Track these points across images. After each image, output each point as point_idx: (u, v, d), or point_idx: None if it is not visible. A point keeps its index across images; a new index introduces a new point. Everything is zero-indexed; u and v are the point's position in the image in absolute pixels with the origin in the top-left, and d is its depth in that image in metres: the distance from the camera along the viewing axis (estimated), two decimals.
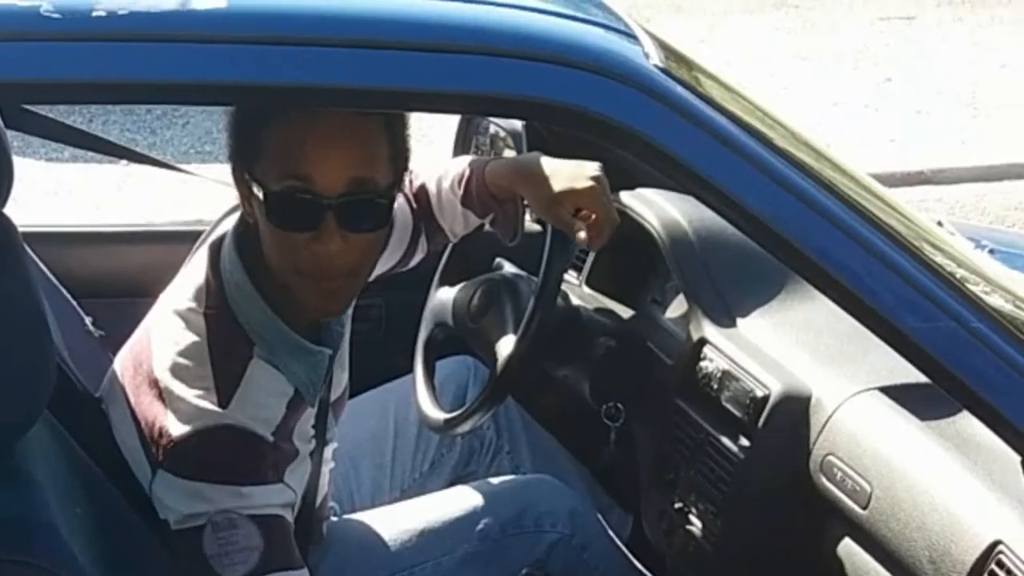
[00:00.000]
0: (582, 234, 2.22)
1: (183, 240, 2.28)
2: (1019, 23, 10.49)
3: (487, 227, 2.51)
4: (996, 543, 1.91)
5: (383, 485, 2.73)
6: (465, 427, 2.48)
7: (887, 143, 7.82)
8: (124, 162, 6.68)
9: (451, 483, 2.72)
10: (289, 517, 2.05)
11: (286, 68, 1.56)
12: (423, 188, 2.49)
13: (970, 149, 7.75)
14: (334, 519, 2.49)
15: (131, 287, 2.68)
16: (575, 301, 2.70)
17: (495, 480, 2.64)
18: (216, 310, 2.01)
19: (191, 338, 1.99)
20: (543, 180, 2.27)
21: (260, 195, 1.92)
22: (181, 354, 1.98)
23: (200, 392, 1.94)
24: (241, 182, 1.99)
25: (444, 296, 2.66)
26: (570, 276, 2.91)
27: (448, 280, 2.68)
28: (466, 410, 2.44)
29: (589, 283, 2.88)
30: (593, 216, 2.23)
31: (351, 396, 2.56)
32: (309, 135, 1.89)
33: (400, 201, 2.44)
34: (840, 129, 7.83)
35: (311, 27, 1.58)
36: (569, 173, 2.26)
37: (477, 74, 1.60)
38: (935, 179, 7.36)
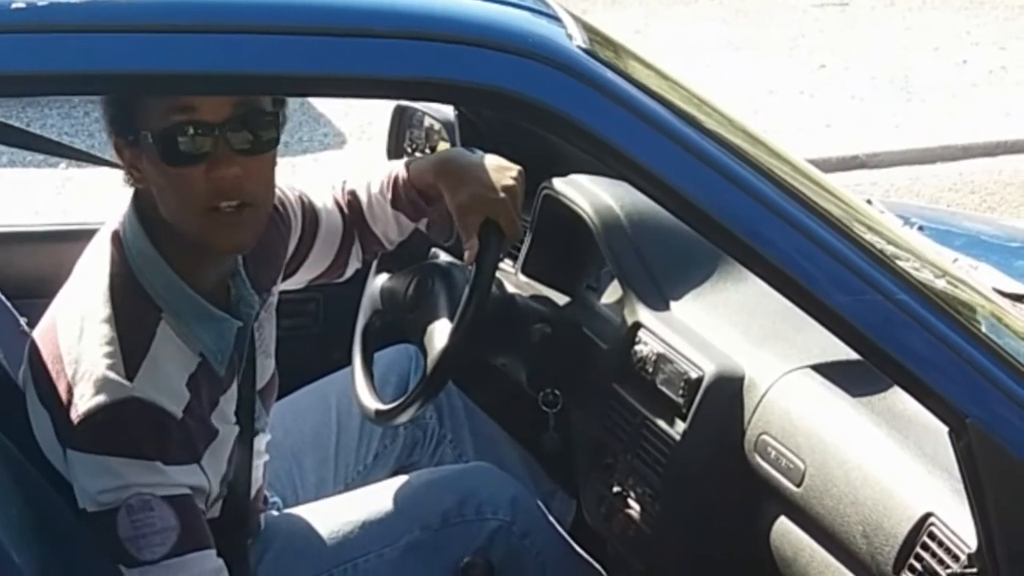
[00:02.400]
0: (467, 255, 2.29)
1: None
2: (950, 7, 10.59)
3: (423, 230, 2.53)
4: (928, 515, 1.93)
5: (327, 479, 2.72)
6: (404, 417, 2.47)
7: (822, 128, 7.88)
8: (63, 166, 6.66)
9: (395, 474, 2.72)
10: (199, 501, 2.04)
11: (205, 56, 1.56)
12: (354, 195, 2.50)
13: (904, 133, 7.82)
14: (275, 513, 2.48)
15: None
16: (510, 289, 2.70)
17: (436, 469, 2.64)
18: (120, 279, 2.00)
19: (96, 309, 1.98)
20: (459, 181, 2.31)
21: (148, 140, 1.92)
22: (86, 326, 1.97)
23: (107, 362, 1.93)
24: (125, 147, 1.98)
25: (380, 284, 2.66)
26: (505, 264, 2.91)
27: (384, 267, 2.67)
28: (404, 400, 2.44)
29: (524, 270, 2.88)
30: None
31: (290, 391, 2.56)
32: None
33: (330, 206, 2.46)
34: (776, 116, 7.89)
35: (231, 15, 1.58)
36: (484, 181, 2.29)
37: (401, 58, 1.60)
38: (870, 163, 7.42)
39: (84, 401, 1.92)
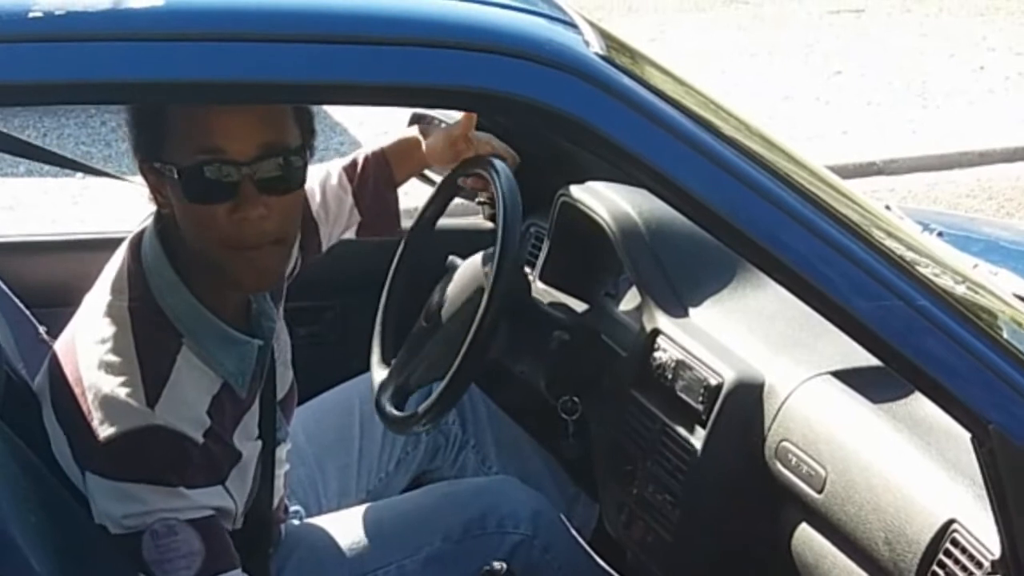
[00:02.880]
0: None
1: None
2: (966, 13, 10.58)
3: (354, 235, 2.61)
4: (950, 522, 1.93)
5: (349, 486, 2.72)
6: (424, 424, 2.46)
7: (839, 135, 7.87)
8: (80, 176, 6.67)
9: (416, 480, 2.72)
10: (225, 521, 2.03)
11: (224, 64, 1.55)
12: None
13: (921, 139, 7.81)
14: (296, 523, 2.48)
15: (84, 296, 2.66)
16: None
17: (458, 481, 2.64)
18: (140, 302, 1.99)
19: (116, 333, 1.97)
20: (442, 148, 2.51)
21: (174, 175, 1.91)
22: (106, 350, 1.95)
23: (127, 390, 1.92)
24: (150, 172, 1.97)
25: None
26: (524, 271, 2.91)
27: (402, 280, 2.66)
28: (425, 407, 2.43)
29: (543, 278, 2.88)
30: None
31: (307, 399, 2.55)
32: (212, 107, 1.88)
33: None
34: (792, 122, 7.88)
35: (243, 23, 1.57)
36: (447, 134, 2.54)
37: (417, 66, 1.59)
38: (887, 169, 7.41)
39: (104, 428, 1.91)
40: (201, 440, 1.96)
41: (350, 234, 2.61)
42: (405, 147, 2.53)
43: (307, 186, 2.45)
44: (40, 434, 2.01)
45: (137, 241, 2.06)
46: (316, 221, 2.51)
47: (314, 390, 2.72)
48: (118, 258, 2.09)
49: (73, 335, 2.04)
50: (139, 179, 2.05)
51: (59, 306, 2.74)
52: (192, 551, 1.94)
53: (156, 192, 1.99)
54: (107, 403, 1.92)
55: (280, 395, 2.23)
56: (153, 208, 2.05)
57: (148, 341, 1.96)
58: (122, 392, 1.91)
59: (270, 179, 1.92)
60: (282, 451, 2.28)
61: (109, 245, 3.05)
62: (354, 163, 2.52)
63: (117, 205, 6.17)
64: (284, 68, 1.57)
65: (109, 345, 1.96)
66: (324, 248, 2.56)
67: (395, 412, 2.53)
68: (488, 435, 2.83)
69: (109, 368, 1.94)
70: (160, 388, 1.93)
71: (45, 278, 2.95)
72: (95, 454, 1.92)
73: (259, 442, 2.13)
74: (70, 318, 2.22)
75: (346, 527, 2.46)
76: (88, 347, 1.98)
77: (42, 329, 2.52)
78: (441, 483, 2.63)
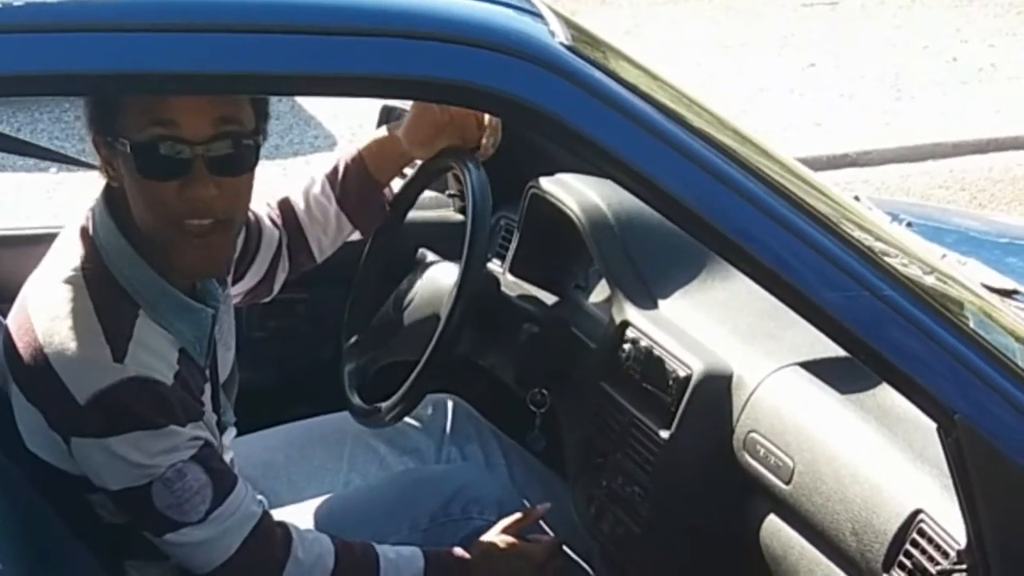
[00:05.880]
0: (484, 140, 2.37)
1: None
2: (940, 5, 10.61)
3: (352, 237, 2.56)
4: (917, 512, 1.93)
5: None
6: (394, 416, 2.46)
7: (813, 127, 7.89)
8: (54, 170, 6.64)
9: None
10: (212, 439, 2.06)
11: (195, 55, 1.54)
12: (287, 203, 2.49)
13: (894, 131, 7.83)
14: None
15: None
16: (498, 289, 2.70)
17: (423, 468, 2.63)
18: (96, 273, 1.99)
19: (74, 300, 1.96)
20: (421, 126, 2.42)
21: (126, 148, 1.90)
22: (67, 319, 1.95)
23: (93, 351, 1.92)
24: (103, 145, 1.96)
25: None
26: (493, 264, 2.91)
27: (372, 272, 2.66)
28: (396, 399, 2.43)
29: (512, 270, 2.87)
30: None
31: (280, 392, 2.54)
32: None
33: (267, 222, 2.45)
34: (767, 114, 7.90)
35: (214, 13, 1.56)
36: (424, 118, 2.41)
37: (383, 56, 1.58)
38: (860, 161, 7.43)
39: (79, 391, 1.91)
40: (171, 381, 1.97)
41: (356, 236, 2.59)
42: (381, 145, 2.49)
43: (290, 195, 2.48)
44: (4, 428, 2.00)
45: (87, 219, 2.05)
46: (303, 229, 2.49)
47: (287, 381, 2.71)
48: (66, 235, 2.08)
49: (26, 310, 2.01)
50: None
51: None
52: (202, 485, 1.98)
53: (107, 165, 1.99)
54: (76, 367, 1.92)
55: (222, 378, 2.24)
56: (102, 183, 2.05)
57: (106, 306, 1.96)
58: (89, 353, 1.92)
59: (222, 159, 1.92)
60: (228, 437, 2.27)
61: None
62: (335, 169, 2.49)
63: (91, 199, 6.17)
64: (255, 59, 1.57)
65: (67, 311, 1.95)
66: (319, 256, 2.54)
67: (362, 405, 2.52)
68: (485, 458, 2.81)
69: (72, 334, 1.93)
70: (125, 344, 1.93)
71: (15, 272, 2.93)
72: (77, 418, 1.92)
73: (214, 415, 2.14)
74: None
75: (313, 517, 2.45)
76: (45, 317, 1.97)
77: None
78: (407, 471, 2.62)
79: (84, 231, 2.03)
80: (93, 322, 1.94)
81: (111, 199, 2.03)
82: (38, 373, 1.95)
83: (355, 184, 2.46)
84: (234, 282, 2.41)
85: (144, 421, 1.93)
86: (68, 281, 1.99)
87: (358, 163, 2.47)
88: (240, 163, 1.96)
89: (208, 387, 2.13)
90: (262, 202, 2.47)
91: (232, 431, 2.32)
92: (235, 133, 1.93)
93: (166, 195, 1.92)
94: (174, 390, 1.97)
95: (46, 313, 1.97)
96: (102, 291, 1.98)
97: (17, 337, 2.00)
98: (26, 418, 2.00)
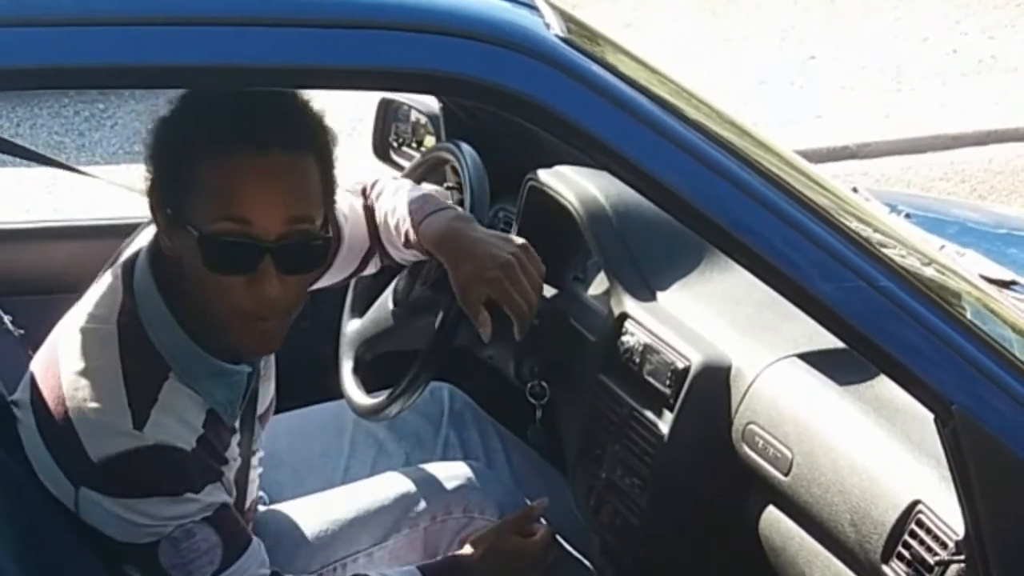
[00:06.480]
0: (482, 331, 2.21)
1: (103, 236, 2.25)
2: None
3: None
4: (915, 503, 1.93)
5: None
6: (394, 409, 2.46)
7: (813, 119, 7.89)
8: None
9: None
10: (229, 500, 2.02)
11: (185, 48, 1.54)
12: (376, 216, 2.42)
13: (895, 122, 7.83)
14: (262, 508, 2.47)
15: (50, 284, 2.65)
16: None
17: (424, 467, 2.63)
18: (130, 329, 1.95)
19: (103, 357, 1.93)
20: (460, 257, 2.21)
21: (193, 235, 1.87)
22: (93, 375, 1.92)
23: (114, 414, 1.89)
24: (161, 213, 1.93)
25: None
26: None
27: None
28: (394, 391, 2.44)
29: None
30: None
31: (280, 389, 2.53)
32: (245, 174, 1.85)
33: (354, 217, 2.40)
34: (767, 107, 7.90)
35: (203, 7, 1.56)
36: (483, 254, 2.19)
37: (379, 49, 1.58)
38: (861, 153, 7.43)
39: (94, 450, 1.88)
40: (193, 447, 1.94)
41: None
42: (441, 236, 2.27)
43: (376, 206, 2.40)
44: (15, 439, 1.98)
45: (129, 269, 2.02)
46: (385, 245, 2.43)
47: (288, 378, 2.70)
48: (105, 282, 2.04)
49: (56, 354, 1.98)
50: (108, 173, 2.02)
51: (28, 294, 2.74)
52: (211, 546, 1.94)
53: (166, 236, 1.95)
54: (94, 426, 1.89)
55: (260, 411, 2.22)
56: (150, 232, 2.02)
57: (135, 367, 1.93)
58: (109, 416, 1.89)
59: (292, 258, 1.90)
60: (255, 458, 2.26)
61: (84, 234, 3.05)
62: (385, 221, 2.38)
63: (91, 193, 6.17)
64: (243, 52, 1.56)
65: (95, 367, 1.92)
66: (405, 264, 2.50)
67: (361, 398, 2.53)
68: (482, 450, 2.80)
69: (94, 393, 1.90)
70: (147, 410, 1.90)
71: (15, 267, 2.94)
72: (89, 474, 1.89)
73: (238, 460, 2.11)
74: (34, 306, 2.21)
75: (314, 515, 2.45)
76: (72, 368, 1.93)
77: (7, 318, 2.52)
78: (408, 468, 2.62)
79: (127, 285, 2.00)
80: (119, 384, 1.91)
81: (157, 262, 1.99)
82: (57, 422, 1.92)
83: (414, 244, 2.32)
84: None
85: (157, 489, 1.90)
86: (100, 334, 1.96)
87: (415, 235, 2.30)
88: (310, 262, 1.94)
89: (235, 437, 2.09)
90: (349, 197, 2.40)
91: (259, 453, 2.31)
92: (306, 232, 1.90)
93: (231, 287, 1.89)
94: (195, 455, 1.94)
95: (74, 364, 1.94)
96: (133, 351, 1.94)
97: (42, 380, 1.97)
98: (36, 452, 1.96)
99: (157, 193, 1.93)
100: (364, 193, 2.45)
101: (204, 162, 1.86)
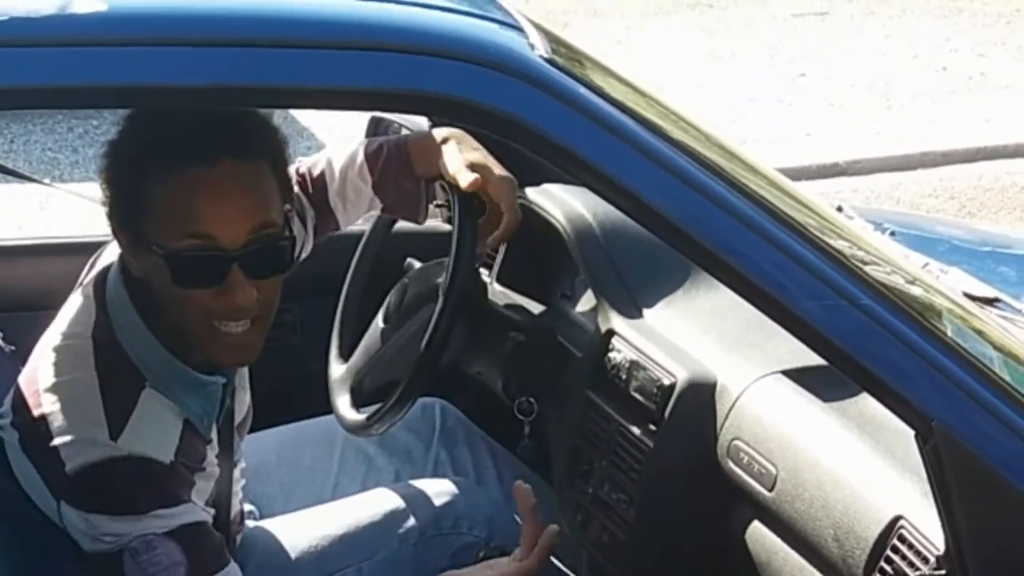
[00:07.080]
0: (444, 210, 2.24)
1: (93, 252, 2.24)
2: (929, 15, 10.62)
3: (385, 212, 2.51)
4: (897, 518, 1.95)
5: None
6: (383, 425, 2.47)
7: (803, 136, 7.90)
8: (47, 180, 6.64)
9: None
10: (206, 518, 2.02)
11: (174, 69, 1.56)
12: (320, 176, 2.42)
13: (884, 140, 7.85)
14: (251, 524, 2.47)
15: (42, 300, 2.63)
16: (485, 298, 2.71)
17: (414, 483, 2.64)
18: (105, 343, 1.96)
19: (79, 370, 1.94)
20: (472, 147, 2.24)
21: (158, 252, 1.88)
22: (69, 387, 1.93)
23: (90, 425, 1.90)
24: (123, 235, 1.94)
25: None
26: (480, 273, 2.92)
27: (360, 281, 2.67)
28: (383, 407, 2.44)
29: (499, 279, 2.89)
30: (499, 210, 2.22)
31: (267, 404, 2.54)
32: (199, 192, 1.85)
33: (296, 213, 2.40)
34: (757, 124, 7.91)
35: (186, 28, 1.57)
36: (486, 156, 2.24)
37: (362, 69, 1.59)
38: (850, 170, 7.44)
39: (69, 461, 1.89)
40: (170, 459, 1.95)
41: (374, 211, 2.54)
42: (428, 146, 2.32)
43: (326, 170, 2.41)
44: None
45: (100, 285, 2.03)
46: (333, 209, 2.44)
47: (274, 393, 2.71)
48: (78, 300, 2.05)
49: (36, 370, 2.00)
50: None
51: (20, 311, 2.74)
52: (174, 562, 1.92)
53: (131, 258, 1.96)
54: (70, 437, 1.90)
55: (238, 420, 2.22)
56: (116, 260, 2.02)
57: (111, 378, 1.94)
58: (85, 427, 1.90)
59: (260, 264, 1.91)
60: (237, 470, 2.27)
61: (74, 250, 3.04)
62: (377, 153, 2.38)
63: (84, 210, 6.17)
64: (231, 72, 1.58)
65: (71, 379, 1.94)
66: (342, 228, 2.50)
67: (350, 414, 2.53)
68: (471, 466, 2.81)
69: (70, 404, 1.92)
70: (123, 421, 1.90)
71: (7, 283, 2.95)
72: (66, 487, 1.90)
73: (217, 469, 2.11)
74: (25, 322, 2.22)
75: (303, 530, 2.45)
76: (49, 380, 1.95)
77: None
78: (398, 484, 2.62)
79: (99, 301, 2.00)
80: (95, 395, 1.92)
81: (128, 276, 2.00)
82: (38, 436, 1.93)
83: (395, 172, 2.37)
84: None
85: (128, 505, 1.90)
86: (75, 349, 1.97)
87: (402, 151, 2.36)
88: (277, 265, 1.95)
89: (214, 445, 2.09)
90: (294, 173, 2.39)
91: (241, 463, 2.32)
92: (269, 236, 1.92)
93: (202, 299, 1.90)
94: (170, 468, 1.95)
95: (51, 378, 1.95)
96: (109, 363, 1.95)
97: (24, 396, 1.98)
98: (21, 468, 1.97)
99: (116, 216, 1.94)
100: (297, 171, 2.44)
101: (157, 183, 1.87)
